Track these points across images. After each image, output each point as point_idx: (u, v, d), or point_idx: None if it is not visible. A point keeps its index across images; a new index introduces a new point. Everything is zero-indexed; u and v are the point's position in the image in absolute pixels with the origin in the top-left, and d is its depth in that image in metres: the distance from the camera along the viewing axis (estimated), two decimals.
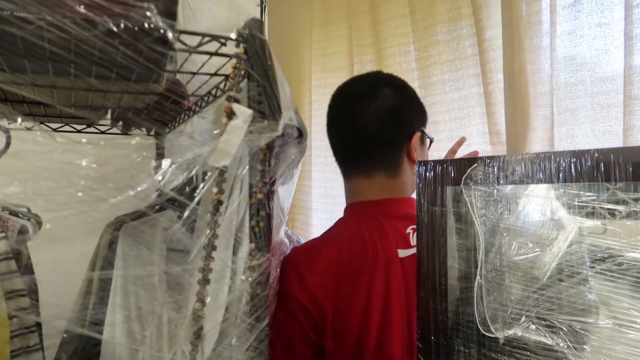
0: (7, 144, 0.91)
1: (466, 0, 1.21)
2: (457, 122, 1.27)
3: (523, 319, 0.59)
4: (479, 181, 0.65)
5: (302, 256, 0.88)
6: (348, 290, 0.82)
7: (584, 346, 0.54)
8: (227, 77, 0.75)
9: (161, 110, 1.02)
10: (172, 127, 1.18)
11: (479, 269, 0.64)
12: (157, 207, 1.00)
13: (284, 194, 0.87)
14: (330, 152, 1.00)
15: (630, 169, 0.52)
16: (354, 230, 0.89)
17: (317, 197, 1.63)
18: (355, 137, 0.91)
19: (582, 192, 0.55)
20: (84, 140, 0.82)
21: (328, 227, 1.24)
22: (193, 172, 0.68)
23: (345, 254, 0.85)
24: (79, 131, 1.20)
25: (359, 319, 0.80)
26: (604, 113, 0.90)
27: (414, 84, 1.35)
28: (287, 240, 0.94)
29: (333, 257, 0.84)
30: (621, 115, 0.86)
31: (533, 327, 0.58)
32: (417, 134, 0.93)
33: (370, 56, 1.47)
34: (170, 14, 0.66)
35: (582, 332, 0.55)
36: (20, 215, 0.88)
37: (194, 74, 0.84)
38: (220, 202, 0.70)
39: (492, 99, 1.13)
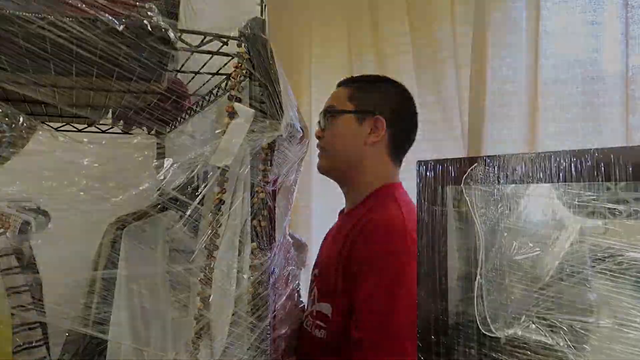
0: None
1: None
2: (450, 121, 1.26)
3: (523, 318, 0.59)
4: (479, 181, 0.65)
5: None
6: None
7: (585, 345, 0.54)
8: (228, 76, 0.75)
9: (162, 109, 1.02)
10: (173, 127, 1.18)
11: (479, 269, 0.64)
12: (158, 206, 1.00)
13: (286, 193, 0.87)
14: None
15: (631, 168, 0.52)
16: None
17: (316, 197, 1.63)
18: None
19: (582, 192, 0.55)
20: (85, 139, 0.83)
21: (327, 227, 1.24)
22: (195, 172, 0.68)
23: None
24: (80, 130, 1.20)
25: None
26: (594, 112, 0.90)
27: (412, 81, 1.35)
28: (289, 240, 0.94)
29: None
30: (609, 115, 0.87)
31: (533, 326, 0.58)
32: None
33: (369, 56, 1.47)
34: (172, 13, 0.66)
35: (583, 331, 0.55)
36: (25, 211, 0.88)
37: (196, 73, 0.84)
38: (222, 202, 0.70)
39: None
